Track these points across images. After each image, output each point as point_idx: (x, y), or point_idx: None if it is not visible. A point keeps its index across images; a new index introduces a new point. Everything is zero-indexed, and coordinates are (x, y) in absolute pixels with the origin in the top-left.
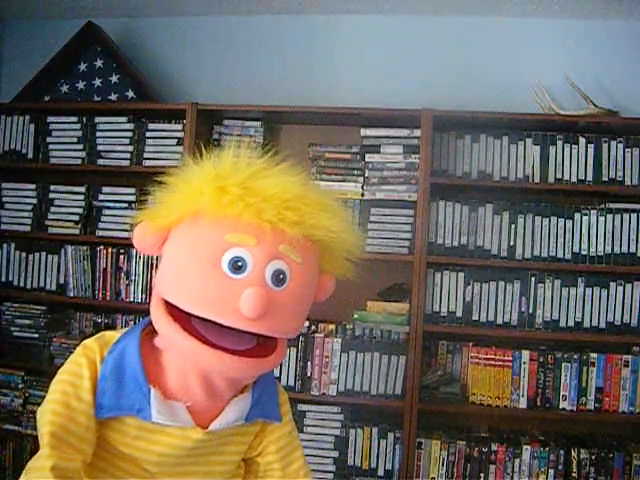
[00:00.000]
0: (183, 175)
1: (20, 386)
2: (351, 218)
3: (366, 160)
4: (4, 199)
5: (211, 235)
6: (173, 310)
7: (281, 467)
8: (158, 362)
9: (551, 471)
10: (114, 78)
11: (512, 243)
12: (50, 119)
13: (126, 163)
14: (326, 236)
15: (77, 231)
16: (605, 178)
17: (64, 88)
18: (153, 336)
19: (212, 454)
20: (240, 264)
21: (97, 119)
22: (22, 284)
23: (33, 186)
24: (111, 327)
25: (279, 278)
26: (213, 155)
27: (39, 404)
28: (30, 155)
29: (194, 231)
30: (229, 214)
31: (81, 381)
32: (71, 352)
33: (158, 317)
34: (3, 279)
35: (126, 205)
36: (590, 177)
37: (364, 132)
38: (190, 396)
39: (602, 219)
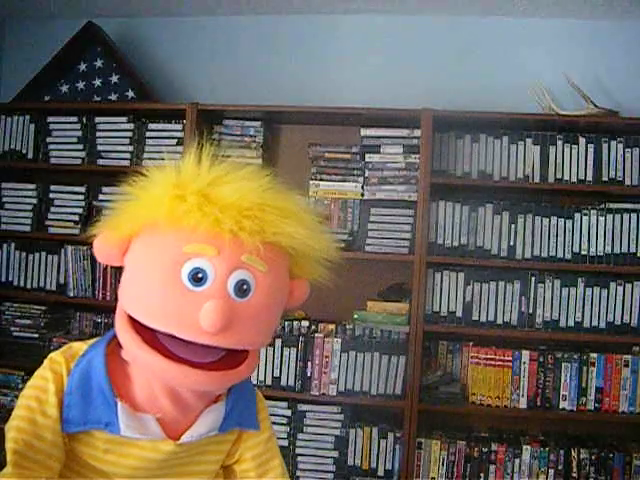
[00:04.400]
0: (143, 182)
1: (20, 386)
2: (319, 222)
3: (366, 160)
4: (4, 199)
5: (169, 246)
6: (137, 322)
7: (257, 475)
8: (126, 374)
9: (551, 471)
10: (114, 78)
11: (512, 243)
12: (50, 119)
13: (126, 163)
14: (290, 243)
15: (77, 231)
16: (605, 178)
17: (64, 88)
18: (120, 347)
19: (187, 465)
20: (200, 275)
21: (97, 119)
22: (22, 284)
23: (33, 186)
24: (111, 327)
25: (242, 289)
26: (175, 160)
27: None
28: (30, 155)
29: (153, 242)
30: (187, 224)
31: (46, 396)
32: None
33: (121, 330)
34: (3, 279)
35: None
36: (590, 177)
37: (364, 132)
38: (158, 408)
39: (602, 219)
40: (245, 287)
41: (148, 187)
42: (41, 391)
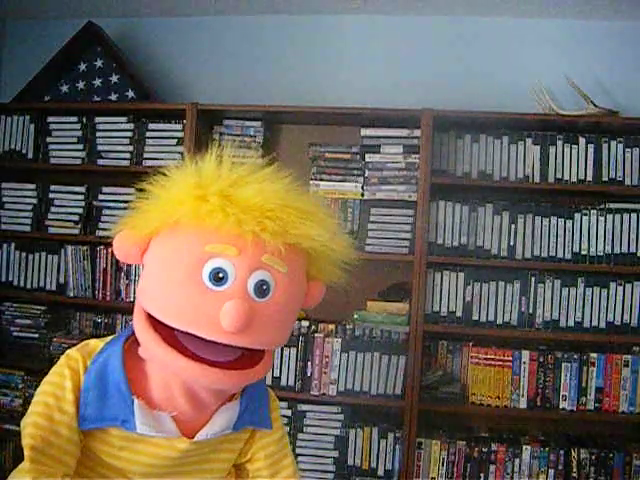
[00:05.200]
0: (164, 182)
1: (20, 386)
2: (339, 224)
3: (366, 160)
4: (4, 199)
5: (191, 246)
6: (156, 321)
7: (269, 474)
8: (142, 372)
9: (551, 471)
10: (114, 78)
11: (512, 243)
12: (50, 119)
13: (126, 163)
14: (311, 245)
15: (77, 231)
16: (605, 178)
17: (64, 88)
18: (137, 345)
19: (200, 462)
20: (221, 275)
21: (97, 119)
22: (22, 284)
23: (33, 186)
24: (111, 327)
25: (262, 289)
26: (196, 159)
27: None
28: (30, 155)
29: (174, 241)
30: (209, 224)
31: (63, 393)
32: None
33: (139, 328)
34: (3, 279)
35: (126, 205)
36: (590, 177)
37: (364, 132)
38: (174, 406)
39: (602, 219)
40: (265, 287)
41: (169, 187)
42: (58, 388)
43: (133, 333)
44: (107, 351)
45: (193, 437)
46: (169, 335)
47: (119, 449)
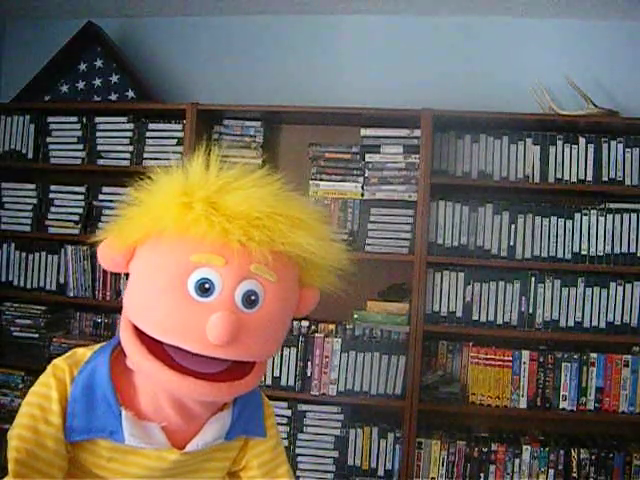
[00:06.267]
0: (150, 188)
1: (20, 386)
2: (331, 230)
3: (366, 160)
4: (4, 199)
5: (176, 255)
6: (142, 331)
7: None
8: (130, 382)
9: (551, 471)
10: (114, 78)
11: (512, 243)
12: (50, 119)
13: (126, 163)
14: (300, 253)
15: (77, 231)
16: (605, 178)
17: (64, 88)
18: (125, 355)
19: (192, 472)
20: (207, 286)
21: (97, 119)
22: (22, 284)
23: (33, 186)
24: (111, 327)
25: (251, 300)
26: (183, 162)
27: None
28: (30, 155)
29: (158, 251)
30: (194, 233)
31: (50, 404)
32: None
33: (125, 340)
34: (3, 279)
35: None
36: (590, 177)
37: (364, 132)
38: (164, 417)
39: (602, 219)
40: (253, 298)
41: (155, 193)
42: (44, 399)
43: (121, 342)
44: (94, 360)
45: (184, 448)
46: (156, 347)
47: (108, 461)
